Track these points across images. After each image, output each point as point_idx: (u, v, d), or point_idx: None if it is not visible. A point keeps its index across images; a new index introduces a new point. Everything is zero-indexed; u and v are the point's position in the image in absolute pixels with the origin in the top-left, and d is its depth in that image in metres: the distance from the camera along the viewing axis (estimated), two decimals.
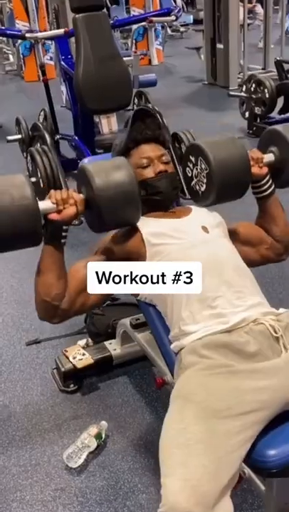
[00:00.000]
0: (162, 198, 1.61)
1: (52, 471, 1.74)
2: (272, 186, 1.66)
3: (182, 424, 1.18)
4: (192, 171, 1.62)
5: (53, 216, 1.38)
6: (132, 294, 1.62)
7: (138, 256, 1.51)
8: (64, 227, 1.42)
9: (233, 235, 1.64)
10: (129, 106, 3.74)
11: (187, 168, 1.64)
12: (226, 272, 1.45)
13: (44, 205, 1.38)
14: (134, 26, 8.51)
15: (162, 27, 9.57)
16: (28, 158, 3.48)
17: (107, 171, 1.45)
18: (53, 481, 1.70)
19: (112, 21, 3.90)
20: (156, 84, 5.20)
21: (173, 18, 4.12)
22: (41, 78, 3.98)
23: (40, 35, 3.74)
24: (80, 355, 2.10)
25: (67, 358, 2.10)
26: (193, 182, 1.62)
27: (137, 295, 1.57)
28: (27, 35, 3.57)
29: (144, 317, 1.75)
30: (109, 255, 1.56)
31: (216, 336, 1.35)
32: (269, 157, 1.65)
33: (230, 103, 5.78)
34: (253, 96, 4.84)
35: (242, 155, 1.57)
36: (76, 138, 3.86)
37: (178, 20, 4.49)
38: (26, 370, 2.22)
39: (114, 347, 2.15)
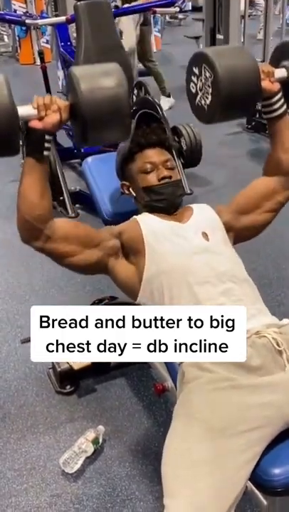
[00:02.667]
0: (166, 205, 1.58)
1: (48, 476, 1.71)
2: (285, 105, 1.51)
3: (187, 443, 1.16)
4: (196, 85, 1.48)
5: (34, 123, 1.30)
6: (129, 296, 1.58)
7: (137, 251, 1.48)
8: (47, 138, 1.32)
9: (236, 210, 1.59)
10: (129, 97, 3.67)
11: (191, 84, 1.50)
12: (226, 282, 1.42)
13: (24, 110, 1.28)
14: None
15: (161, 14, 9.43)
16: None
17: (95, 75, 1.35)
18: (48, 487, 1.68)
19: (113, 9, 3.81)
20: None
21: (177, 9, 4.03)
22: (39, 65, 3.88)
23: (40, 22, 3.64)
24: None
25: None
26: (198, 97, 1.48)
27: (135, 298, 1.53)
28: (27, 21, 3.47)
29: None
30: (110, 238, 1.52)
31: None
32: (281, 72, 1.52)
33: None
34: None
35: (251, 63, 1.43)
36: None
37: (182, 11, 4.41)
38: (21, 369, 2.18)
39: None
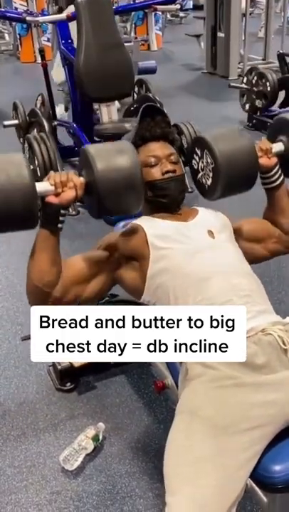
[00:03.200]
0: (169, 200, 1.57)
1: (47, 474, 1.71)
2: (282, 177, 1.61)
3: (189, 440, 1.15)
4: (198, 163, 1.57)
5: (51, 199, 1.33)
6: (133, 296, 1.58)
7: (142, 257, 1.47)
8: (62, 212, 1.36)
9: (239, 233, 1.61)
10: (130, 95, 3.67)
11: (193, 161, 1.59)
12: (233, 277, 1.41)
13: (42, 186, 1.32)
14: None
15: (162, 12, 9.41)
16: (25, 144, 3.41)
17: (109, 154, 1.39)
18: (48, 484, 1.67)
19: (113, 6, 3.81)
20: (156, 71, 5.12)
21: (178, 6, 4.03)
22: (40, 63, 3.88)
23: (41, 19, 3.63)
24: None
25: None
26: (200, 175, 1.58)
27: (140, 297, 1.53)
28: (28, 18, 3.47)
29: None
30: (113, 251, 1.51)
31: None
32: (278, 146, 1.60)
33: (230, 94, 5.71)
34: (254, 88, 4.78)
35: (249, 148, 1.52)
36: (74, 125, 3.79)
37: (182, 9, 4.40)
38: (21, 367, 2.18)
39: None
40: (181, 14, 11.16)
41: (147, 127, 1.60)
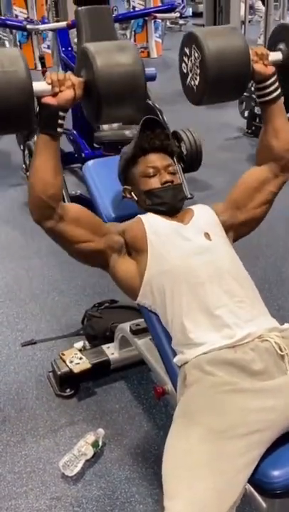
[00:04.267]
0: (167, 208, 1.59)
1: (47, 479, 1.71)
2: (279, 90, 1.50)
3: (187, 444, 1.16)
4: (187, 65, 1.48)
5: (48, 99, 1.31)
6: (128, 295, 1.59)
7: (140, 249, 1.51)
8: (60, 114, 1.32)
9: (232, 206, 1.61)
10: None
11: (183, 64, 1.51)
12: (228, 281, 1.43)
13: (38, 86, 1.28)
14: None
15: (162, 19, 9.47)
16: (26, 151, 3.43)
17: (110, 51, 1.33)
18: (48, 490, 1.68)
19: (113, 14, 3.84)
20: (156, 78, 5.14)
21: (177, 14, 4.06)
22: (40, 70, 3.90)
23: (41, 27, 3.67)
24: (77, 359, 2.07)
25: (64, 361, 2.06)
26: (189, 78, 1.49)
27: (135, 297, 1.54)
28: (28, 26, 3.49)
29: (144, 323, 1.73)
30: (119, 233, 1.54)
31: (221, 351, 1.33)
32: (276, 55, 1.51)
33: None
34: (253, 95, 4.79)
35: (241, 44, 1.42)
36: (74, 132, 3.80)
37: (182, 16, 4.44)
38: (21, 372, 2.18)
39: (112, 351, 2.12)
40: (181, 21, 11.21)
41: (147, 139, 1.63)
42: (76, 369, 2.03)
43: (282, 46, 1.53)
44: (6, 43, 10.09)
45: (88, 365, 2.05)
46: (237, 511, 1.39)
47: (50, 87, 1.30)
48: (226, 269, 1.45)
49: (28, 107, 1.23)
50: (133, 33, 8.98)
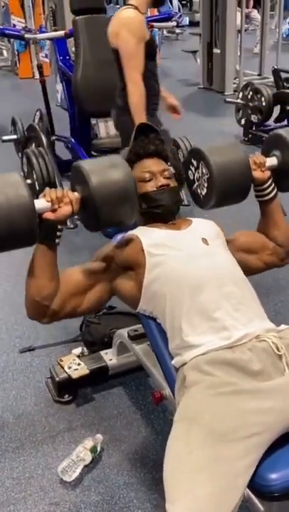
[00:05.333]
0: (163, 211, 1.61)
1: (46, 485, 1.71)
2: (275, 190, 1.67)
3: (188, 447, 1.17)
4: (194, 174, 1.63)
5: (48, 215, 1.37)
6: (130, 305, 1.60)
7: (137, 265, 1.51)
8: (58, 227, 1.40)
9: (234, 244, 1.65)
10: None
11: (189, 171, 1.65)
12: (226, 285, 1.44)
13: (39, 204, 1.36)
14: None
15: (159, 29, 9.54)
16: (24, 159, 3.45)
17: (103, 169, 1.43)
18: (47, 495, 1.68)
19: None
20: None
21: (174, 23, 4.10)
22: (38, 78, 3.93)
23: (39, 36, 3.70)
24: (75, 364, 2.08)
25: (62, 367, 2.07)
26: (195, 185, 1.63)
27: (136, 306, 1.56)
28: (26, 35, 3.52)
29: (142, 329, 1.74)
30: (109, 262, 1.55)
31: (219, 352, 1.34)
32: (272, 161, 1.66)
33: (226, 109, 5.78)
34: (250, 104, 4.85)
35: (243, 160, 1.58)
36: (72, 140, 3.83)
37: (179, 25, 4.48)
38: (20, 379, 2.19)
39: (110, 357, 2.13)
40: (178, 31, 11.32)
41: (142, 144, 1.66)
42: (74, 375, 2.03)
43: (276, 153, 1.68)
44: (4, 51, 10.19)
45: (86, 371, 2.06)
46: None
47: (49, 204, 1.37)
48: (224, 272, 1.47)
49: (32, 228, 1.32)
50: None
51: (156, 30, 9.31)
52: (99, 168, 1.44)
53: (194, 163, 1.61)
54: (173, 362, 1.45)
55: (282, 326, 1.46)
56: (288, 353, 1.35)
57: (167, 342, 1.49)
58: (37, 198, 1.38)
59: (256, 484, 1.19)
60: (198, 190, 1.62)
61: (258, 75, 7.37)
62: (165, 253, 1.49)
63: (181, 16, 4.26)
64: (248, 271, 1.62)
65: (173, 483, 1.14)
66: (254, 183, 1.62)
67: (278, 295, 2.71)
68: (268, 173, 1.64)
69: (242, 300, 1.44)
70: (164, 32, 10.62)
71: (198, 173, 1.60)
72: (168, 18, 4.25)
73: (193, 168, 1.62)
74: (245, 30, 7.89)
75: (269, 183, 1.65)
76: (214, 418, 1.19)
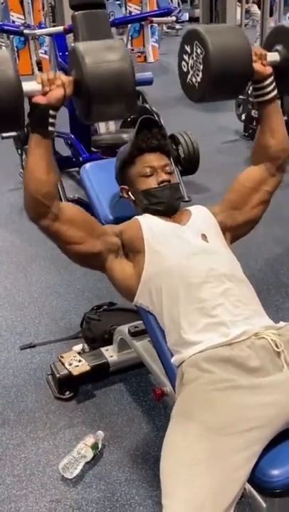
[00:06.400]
0: (164, 208, 1.60)
1: (47, 482, 1.71)
2: (275, 90, 1.52)
3: (185, 442, 1.16)
4: (188, 63, 1.49)
5: (39, 99, 1.32)
6: (125, 296, 1.59)
7: (137, 250, 1.52)
8: (51, 113, 1.34)
9: (224, 211, 1.62)
10: None
11: (183, 62, 1.51)
12: (225, 282, 1.44)
13: (29, 85, 1.29)
14: None
15: (158, 24, 9.53)
16: (24, 156, 3.44)
17: (99, 50, 1.36)
18: (48, 492, 1.67)
19: (110, 19, 3.86)
20: (153, 83, 5.16)
21: (173, 18, 4.08)
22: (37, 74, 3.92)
23: (38, 32, 3.68)
24: (76, 361, 2.07)
25: (63, 364, 2.06)
26: (189, 75, 1.48)
27: (132, 298, 1.54)
28: (25, 31, 3.51)
29: (142, 325, 1.73)
30: (116, 235, 1.55)
31: (218, 349, 1.33)
32: (273, 56, 1.52)
33: (226, 104, 5.75)
34: (250, 99, 4.82)
35: (243, 43, 1.44)
36: (72, 136, 3.82)
37: (178, 21, 4.46)
38: (20, 376, 2.18)
39: (110, 353, 2.12)
40: (177, 26, 11.26)
41: (144, 139, 1.64)
42: (75, 372, 2.03)
43: (279, 48, 1.55)
44: (4, 48, 10.16)
45: (87, 368, 2.05)
46: (236, 511, 1.40)
47: (40, 86, 1.31)
48: (222, 270, 1.46)
49: (18, 106, 1.24)
50: (130, 37, 9.01)
51: (156, 25, 9.32)
52: (95, 49, 1.36)
53: (188, 49, 1.46)
54: (172, 360, 1.44)
55: (281, 323, 1.45)
56: (287, 350, 1.34)
57: None
58: None
59: (258, 480, 1.18)
60: (193, 79, 1.46)
61: None
62: (165, 248, 1.49)
63: (180, 11, 4.24)
64: (254, 221, 1.64)
65: (170, 477, 1.13)
66: (254, 77, 1.48)
67: (279, 291, 2.70)
68: (269, 68, 1.49)
69: (240, 297, 1.43)
70: (164, 28, 10.60)
71: (192, 58, 1.44)
72: (167, 13, 4.23)
73: (186, 56, 1.47)
74: (245, 26, 7.86)
75: (270, 80, 1.50)
76: (211, 413, 1.19)
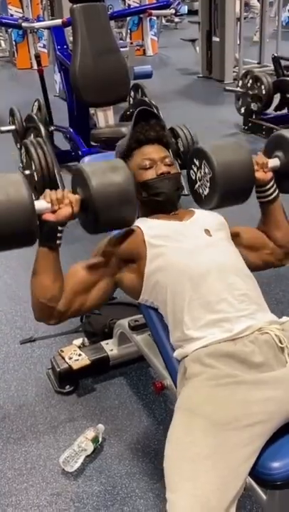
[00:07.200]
0: (164, 198, 1.59)
1: (48, 475, 1.71)
2: (276, 191, 1.64)
3: (189, 437, 1.16)
4: (196, 174, 1.61)
5: (48, 216, 1.37)
6: (131, 296, 1.59)
7: (139, 257, 1.50)
8: (59, 228, 1.39)
9: (236, 239, 1.63)
10: (126, 99, 3.69)
11: (191, 171, 1.63)
12: (229, 276, 1.43)
13: (39, 204, 1.36)
14: None
15: (157, 17, 9.48)
16: (23, 150, 3.42)
17: (104, 171, 1.44)
18: (49, 486, 1.68)
19: (108, 12, 3.84)
20: (152, 76, 5.15)
21: (172, 11, 4.06)
22: (36, 68, 3.90)
23: (36, 25, 3.66)
24: (76, 355, 2.07)
25: (63, 358, 2.07)
26: (197, 185, 1.61)
27: (138, 296, 1.54)
28: (23, 24, 3.48)
29: (143, 319, 1.73)
30: (110, 256, 1.54)
31: (221, 344, 1.33)
32: (274, 162, 1.64)
33: (226, 97, 5.75)
34: (250, 92, 4.81)
35: (246, 160, 1.56)
36: (71, 130, 3.80)
37: (177, 14, 4.45)
38: (21, 370, 2.19)
39: (111, 347, 2.12)
40: (176, 19, 11.21)
41: (142, 131, 1.63)
42: (75, 366, 2.03)
43: (279, 154, 1.66)
44: (2, 42, 10.12)
45: (87, 362, 2.05)
46: (237, 504, 1.40)
47: (49, 205, 1.37)
48: (227, 264, 1.45)
49: (32, 228, 1.32)
50: (129, 30, 8.99)
51: (155, 18, 9.27)
52: (100, 170, 1.44)
53: (197, 162, 1.59)
54: (174, 354, 1.44)
55: (284, 318, 1.45)
56: None
57: (168, 332, 1.48)
58: (35, 189, 1.38)
59: (258, 473, 1.19)
60: (200, 190, 1.60)
61: (258, 63, 7.31)
62: (166, 244, 1.48)
63: (179, 3, 4.21)
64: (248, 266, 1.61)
65: (175, 472, 1.14)
66: (256, 183, 1.59)
67: (279, 284, 2.70)
68: (270, 174, 1.61)
69: (245, 292, 1.42)
70: (163, 21, 10.55)
71: (200, 172, 1.58)
72: (166, 6, 4.20)
73: (195, 168, 1.60)
74: (245, 18, 7.84)
75: (271, 184, 1.62)
76: (216, 408, 1.19)
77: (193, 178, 1.62)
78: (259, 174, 1.58)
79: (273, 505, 1.30)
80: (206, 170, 1.55)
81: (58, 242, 1.41)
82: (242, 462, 1.13)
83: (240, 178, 1.55)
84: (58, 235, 1.40)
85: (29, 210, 1.30)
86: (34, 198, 1.34)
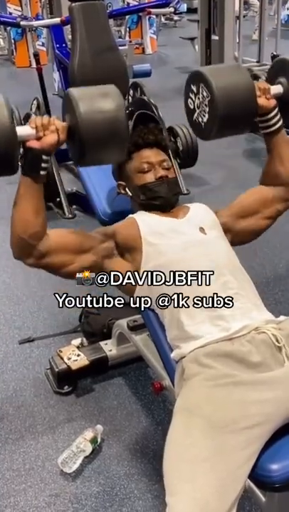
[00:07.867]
0: (162, 203, 1.59)
1: (46, 476, 1.71)
2: (281, 121, 1.55)
3: (188, 439, 1.16)
4: (194, 102, 1.52)
5: (32, 143, 1.31)
6: (125, 292, 1.58)
7: (134, 250, 1.50)
8: (44, 158, 1.33)
9: (230, 216, 1.62)
10: (125, 98, 3.67)
11: (189, 100, 1.54)
12: (223, 275, 1.43)
13: (22, 130, 1.30)
14: None
15: (156, 15, 9.47)
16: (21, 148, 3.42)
17: (93, 97, 1.36)
18: (47, 487, 1.67)
19: (108, 10, 3.83)
20: (151, 74, 5.13)
21: (171, 9, 4.05)
22: (35, 66, 3.89)
23: (35, 23, 3.66)
24: (74, 355, 2.07)
25: (62, 358, 2.06)
26: (196, 114, 1.52)
27: (132, 293, 1.54)
28: (22, 23, 3.48)
29: (141, 319, 1.73)
30: (107, 238, 1.53)
31: (218, 344, 1.33)
32: (277, 88, 1.56)
33: None
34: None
35: (247, 82, 1.47)
36: None
37: (176, 12, 4.44)
38: (19, 370, 2.18)
39: (109, 348, 2.12)
40: (176, 17, 11.22)
41: (140, 134, 1.63)
42: (74, 366, 2.03)
43: (282, 80, 1.58)
44: (1, 40, 10.10)
45: (86, 362, 2.05)
46: (237, 506, 1.39)
47: (34, 131, 1.31)
48: (221, 262, 1.45)
49: (12, 152, 1.25)
50: (128, 29, 8.97)
51: (154, 16, 9.26)
52: (89, 96, 1.36)
53: (194, 88, 1.50)
54: (172, 355, 1.44)
55: (281, 317, 1.45)
56: (288, 344, 1.33)
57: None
58: None
59: (257, 475, 1.18)
60: (200, 118, 1.51)
61: (257, 61, 7.29)
62: (162, 242, 1.48)
63: (178, 1, 4.21)
64: (257, 233, 1.64)
65: (174, 475, 1.13)
66: (258, 111, 1.50)
67: (278, 284, 2.69)
68: (273, 102, 1.52)
69: (239, 290, 1.42)
70: (162, 19, 10.53)
71: (198, 99, 1.49)
72: (165, 4, 4.20)
73: (192, 95, 1.51)
74: (244, 17, 7.81)
75: (274, 112, 1.52)
76: (214, 409, 1.18)
77: (192, 107, 1.53)
78: (261, 100, 1.49)
79: (272, 507, 1.29)
80: (204, 93, 1.45)
81: (42, 172, 1.34)
82: (240, 465, 1.13)
83: (241, 102, 1.45)
84: (43, 165, 1.33)
85: (10, 135, 1.23)
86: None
